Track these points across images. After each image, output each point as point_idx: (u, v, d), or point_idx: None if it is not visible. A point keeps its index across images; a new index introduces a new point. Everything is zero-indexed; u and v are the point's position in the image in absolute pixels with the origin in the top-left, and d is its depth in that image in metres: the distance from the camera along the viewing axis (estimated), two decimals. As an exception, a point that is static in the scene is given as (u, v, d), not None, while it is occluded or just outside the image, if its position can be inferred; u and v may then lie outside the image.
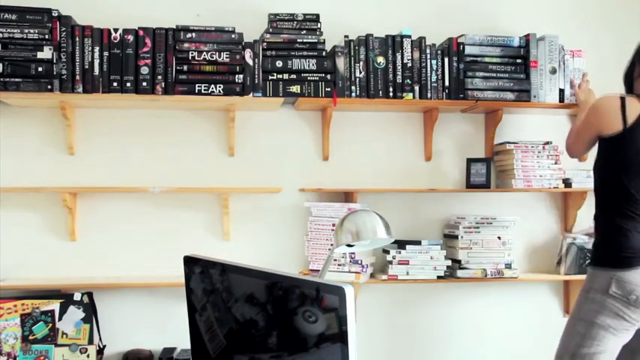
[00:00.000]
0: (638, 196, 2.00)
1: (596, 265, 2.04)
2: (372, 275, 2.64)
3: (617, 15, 2.96)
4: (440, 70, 2.62)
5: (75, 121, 2.59)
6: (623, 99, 2.04)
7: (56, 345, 2.44)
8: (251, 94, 2.48)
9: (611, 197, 2.06)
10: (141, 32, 2.44)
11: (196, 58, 2.45)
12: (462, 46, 2.63)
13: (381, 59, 2.58)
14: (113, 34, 2.43)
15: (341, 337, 1.02)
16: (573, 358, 1.99)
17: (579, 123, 2.29)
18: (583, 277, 2.71)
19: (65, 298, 2.46)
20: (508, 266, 2.66)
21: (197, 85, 2.45)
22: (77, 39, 2.40)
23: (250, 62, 2.49)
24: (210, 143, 2.69)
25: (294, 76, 2.52)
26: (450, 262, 2.63)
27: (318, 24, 2.55)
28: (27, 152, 2.58)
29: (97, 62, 2.42)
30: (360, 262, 2.53)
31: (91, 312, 2.48)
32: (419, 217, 2.81)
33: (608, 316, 1.95)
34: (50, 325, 2.45)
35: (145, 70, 2.43)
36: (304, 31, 2.54)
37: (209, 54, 2.46)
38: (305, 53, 2.53)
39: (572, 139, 2.34)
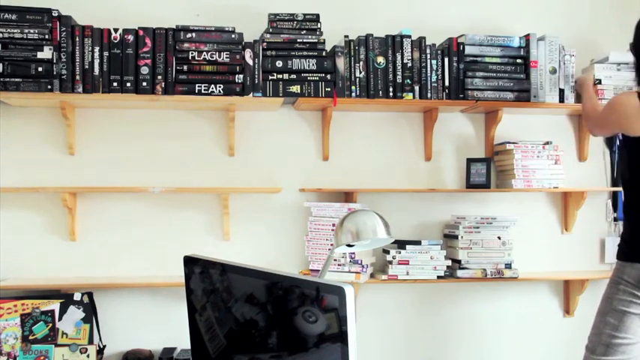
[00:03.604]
0: None
1: (626, 260, 2.01)
2: (372, 275, 2.64)
3: (617, 15, 2.96)
4: (440, 70, 2.62)
5: (75, 121, 2.59)
6: None
7: (56, 345, 2.44)
8: (251, 94, 2.48)
9: None
10: (141, 32, 2.44)
11: (196, 58, 2.45)
12: (462, 46, 2.63)
13: (381, 59, 2.58)
14: (113, 34, 2.43)
15: (341, 337, 1.02)
16: (608, 349, 1.98)
17: (596, 112, 2.26)
18: (581, 277, 2.74)
19: (65, 298, 2.46)
20: (508, 266, 2.66)
21: (197, 85, 2.45)
22: (77, 39, 2.40)
23: (250, 62, 2.49)
24: (210, 143, 2.69)
25: (294, 76, 2.52)
26: (450, 262, 2.63)
27: (318, 24, 2.55)
28: (27, 152, 2.58)
29: (97, 62, 2.42)
30: (360, 262, 2.53)
31: (91, 312, 2.48)
32: (419, 217, 2.81)
33: None
34: (50, 325, 2.45)
35: (145, 70, 2.43)
36: (304, 31, 2.54)
37: (209, 54, 2.46)
38: (305, 53, 2.53)
39: (594, 124, 2.26)
